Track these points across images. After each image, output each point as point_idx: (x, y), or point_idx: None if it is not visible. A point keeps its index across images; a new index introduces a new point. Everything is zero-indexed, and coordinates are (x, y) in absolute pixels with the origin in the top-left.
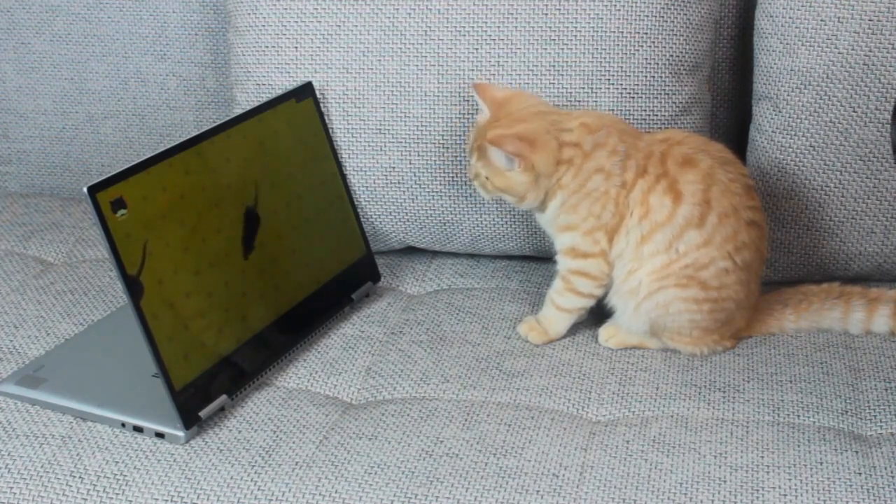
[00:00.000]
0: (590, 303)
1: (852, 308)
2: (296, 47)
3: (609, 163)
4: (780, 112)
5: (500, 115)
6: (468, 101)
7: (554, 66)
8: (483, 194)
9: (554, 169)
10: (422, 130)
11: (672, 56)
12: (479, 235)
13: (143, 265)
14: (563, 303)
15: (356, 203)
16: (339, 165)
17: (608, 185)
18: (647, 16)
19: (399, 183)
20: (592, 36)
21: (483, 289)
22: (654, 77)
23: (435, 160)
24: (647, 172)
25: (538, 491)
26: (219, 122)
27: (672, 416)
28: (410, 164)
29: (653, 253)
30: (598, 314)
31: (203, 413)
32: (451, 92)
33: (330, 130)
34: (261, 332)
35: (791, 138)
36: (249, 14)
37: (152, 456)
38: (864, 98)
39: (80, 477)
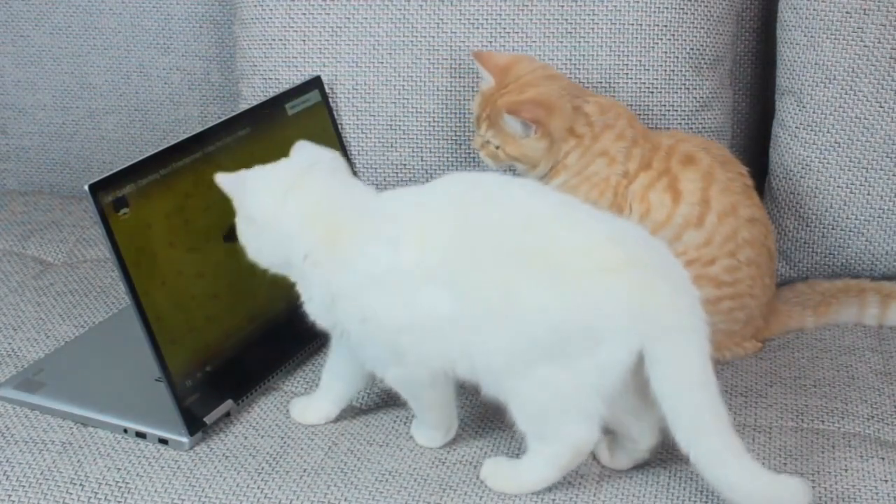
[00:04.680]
0: None
1: (868, 304)
2: (304, 40)
3: (614, 147)
4: (803, 107)
5: (506, 81)
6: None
7: (570, 59)
8: (491, 164)
9: (566, 135)
10: (433, 126)
11: (692, 49)
12: None
13: (146, 266)
14: None
15: None
16: (349, 162)
17: (609, 172)
18: (667, 8)
19: (410, 180)
20: (610, 29)
21: None
22: (673, 71)
23: (447, 157)
24: (651, 167)
25: (554, 500)
26: (226, 118)
27: None
28: (422, 160)
29: None
30: None
31: (208, 418)
32: (464, 86)
33: (339, 126)
34: (268, 336)
35: (815, 134)
36: (256, 6)
37: (155, 463)
38: (891, 93)
39: (80, 484)
